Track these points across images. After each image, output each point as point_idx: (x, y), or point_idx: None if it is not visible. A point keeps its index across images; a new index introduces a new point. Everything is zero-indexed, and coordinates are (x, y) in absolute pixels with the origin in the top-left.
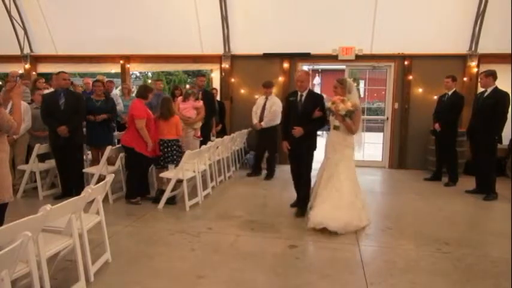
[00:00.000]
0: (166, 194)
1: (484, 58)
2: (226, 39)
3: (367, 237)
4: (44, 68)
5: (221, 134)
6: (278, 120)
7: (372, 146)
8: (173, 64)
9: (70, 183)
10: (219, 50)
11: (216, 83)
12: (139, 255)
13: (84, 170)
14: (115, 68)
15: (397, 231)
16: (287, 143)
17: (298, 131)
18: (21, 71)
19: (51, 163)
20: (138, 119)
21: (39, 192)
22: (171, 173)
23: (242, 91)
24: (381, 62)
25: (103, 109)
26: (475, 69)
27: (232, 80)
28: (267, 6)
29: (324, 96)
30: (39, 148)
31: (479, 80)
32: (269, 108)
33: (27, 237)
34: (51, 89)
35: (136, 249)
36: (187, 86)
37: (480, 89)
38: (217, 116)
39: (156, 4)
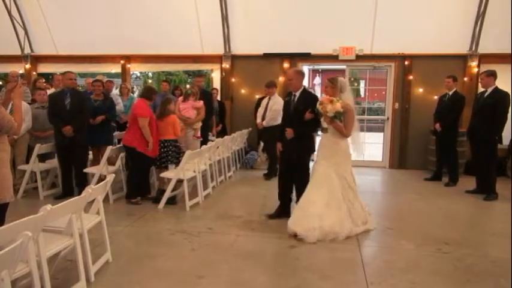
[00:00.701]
0: (167, 194)
1: (484, 58)
2: (226, 39)
3: (367, 237)
4: (44, 68)
5: (221, 134)
6: (280, 120)
7: (373, 146)
8: (173, 64)
9: (73, 183)
10: (220, 50)
11: (217, 83)
12: (140, 255)
13: (84, 170)
14: (115, 68)
15: (397, 231)
16: (280, 144)
17: (289, 132)
18: (21, 71)
19: (51, 163)
20: (141, 118)
21: (40, 192)
22: (171, 173)
23: (242, 91)
24: (381, 62)
25: (101, 109)
26: (476, 69)
27: (233, 80)
28: (267, 6)
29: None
30: (39, 148)
31: (479, 80)
32: (270, 108)
33: (27, 237)
34: (53, 89)
35: (137, 249)
36: (188, 86)
37: (480, 89)
38: (218, 116)
39: (156, 4)
